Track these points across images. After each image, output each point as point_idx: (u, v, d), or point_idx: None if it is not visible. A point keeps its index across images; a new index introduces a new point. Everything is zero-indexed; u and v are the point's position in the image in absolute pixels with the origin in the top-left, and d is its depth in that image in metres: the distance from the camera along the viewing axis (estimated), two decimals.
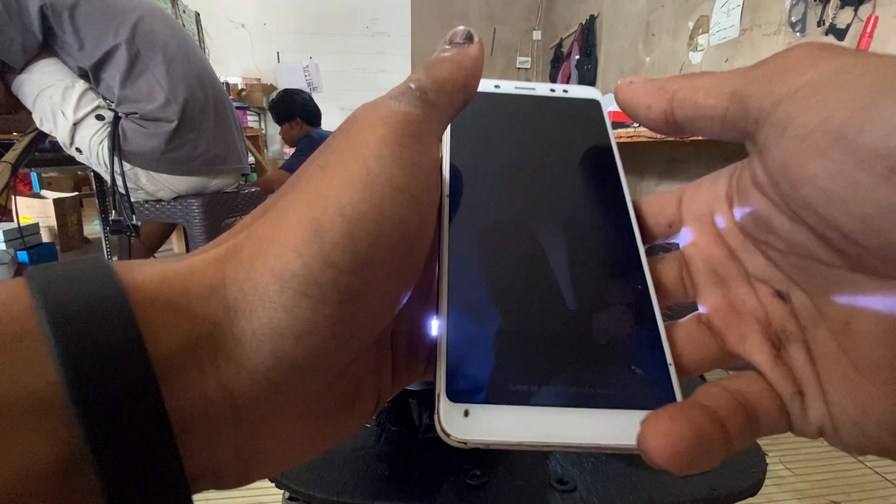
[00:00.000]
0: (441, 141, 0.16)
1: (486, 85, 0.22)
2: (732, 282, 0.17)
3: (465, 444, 0.14)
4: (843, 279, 0.14)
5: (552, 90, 0.22)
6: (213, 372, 0.12)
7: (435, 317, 0.16)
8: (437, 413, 0.14)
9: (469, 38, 0.17)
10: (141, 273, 0.12)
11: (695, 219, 0.19)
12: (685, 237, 0.19)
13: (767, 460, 0.42)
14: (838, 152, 0.12)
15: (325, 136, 2.12)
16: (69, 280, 0.11)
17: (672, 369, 0.15)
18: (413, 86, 0.16)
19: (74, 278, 0.11)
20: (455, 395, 0.14)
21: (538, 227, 0.18)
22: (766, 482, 0.41)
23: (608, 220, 0.19)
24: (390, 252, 0.13)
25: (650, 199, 0.20)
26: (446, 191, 0.19)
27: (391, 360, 0.18)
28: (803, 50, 0.14)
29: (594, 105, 0.22)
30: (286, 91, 2.17)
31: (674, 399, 0.15)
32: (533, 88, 0.22)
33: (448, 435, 0.14)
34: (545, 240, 0.18)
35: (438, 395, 0.14)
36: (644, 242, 0.19)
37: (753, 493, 0.40)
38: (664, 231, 0.20)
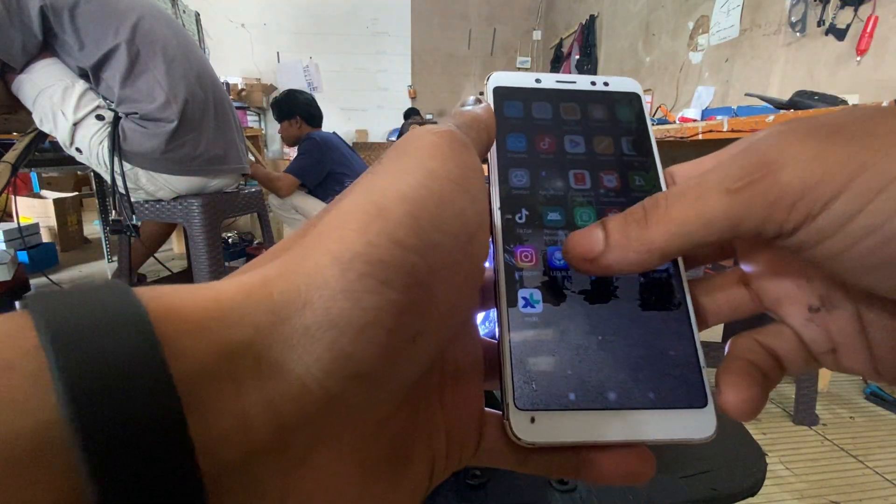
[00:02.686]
0: (481, 161, 0.17)
1: (527, 79, 0.22)
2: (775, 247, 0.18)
3: (534, 445, 0.16)
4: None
5: (592, 83, 0.23)
6: (254, 386, 0.10)
7: (498, 336, 0.18)
8: (508, 420, 0.16)
9: (478, 101, 0.19)
10: (161, 288, 0.11)
11: None
12: None
13: (767, 460, 0.42)
14: None
15: (327, 137, 2.12)
16: (72, 296, 0.10)
17: (704, 373, 0.18)
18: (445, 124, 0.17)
19: (79, 294, 0.10)
20: (522, 405, 0.16)
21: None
22: (766, 482, 0.41)
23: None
24: (453, 240, 0.13)
25: (686, 167, 0.20)
26: (497, 204, 0.19)
27: (443, 426, 0.17)
28: (791, 141, 0.14)
29: (634, 97, 0.23)
30: (290, 90, 2.18)
31: (705, 399, 0.17)
32: (574, 82, 0.23)
33: (519, 439, 0.16)
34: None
35: (507, 404, 0.16)
36: None
37: (753, 493, 0.40)
38: None
